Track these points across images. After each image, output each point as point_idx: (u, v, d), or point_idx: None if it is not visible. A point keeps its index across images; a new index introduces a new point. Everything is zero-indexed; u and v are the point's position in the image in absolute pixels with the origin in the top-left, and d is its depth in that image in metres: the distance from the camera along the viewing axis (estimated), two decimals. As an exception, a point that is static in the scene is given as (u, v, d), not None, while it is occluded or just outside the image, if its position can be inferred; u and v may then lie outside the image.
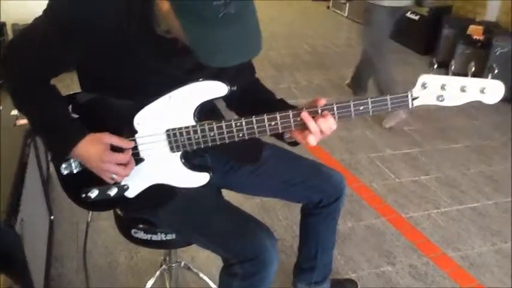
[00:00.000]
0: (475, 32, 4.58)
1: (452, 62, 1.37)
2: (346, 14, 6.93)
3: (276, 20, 6.46)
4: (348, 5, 6.85)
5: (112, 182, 1.30)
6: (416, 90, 1.26)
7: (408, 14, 5.47)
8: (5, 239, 1.50)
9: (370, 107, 1.27)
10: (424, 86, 1.26)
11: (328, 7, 7.39)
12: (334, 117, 1.28)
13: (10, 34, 3.90)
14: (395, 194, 2.80)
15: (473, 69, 1.24)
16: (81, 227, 2.33)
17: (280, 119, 1.28)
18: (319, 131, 1.26)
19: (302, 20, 6.71)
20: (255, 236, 1.32)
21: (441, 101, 1.26)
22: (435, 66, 1.24)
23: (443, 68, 1.27)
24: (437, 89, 1.25)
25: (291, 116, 1.27)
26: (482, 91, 1.24)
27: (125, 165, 1.29)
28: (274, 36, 5.67)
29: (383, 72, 3.62)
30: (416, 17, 5.38)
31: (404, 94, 1.27)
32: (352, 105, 1.27)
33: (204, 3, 0.99)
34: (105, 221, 2.33)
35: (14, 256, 1.54)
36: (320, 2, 7.66)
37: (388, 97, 1.27)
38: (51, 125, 1.28)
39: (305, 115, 1.26)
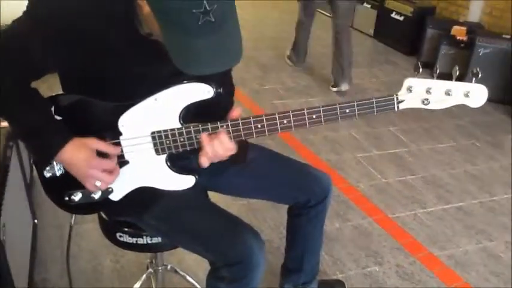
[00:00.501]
0: (459, 32, 4.63)
1: (437, 65, 1.38)
2: (331, 14, 6.94)
3: (262, 20, 6.46)
4: (333, 5, 6.87)
5: (95, 189, 1.28)
6: (402, 94, 1.28)
7: (393, 15, 5.52)
8: (-14, 245, 1.47)
9: (356, 109, 1.27)
10: (409, 89, 1.27)
11: (313, 8, 7.40)
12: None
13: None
14: (382, 194, 2.81)
15: (457, 73, 1.26)
16: (65, 231, 2.29)
17: (266, 121, 1.27)
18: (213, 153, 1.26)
19: (288, 21, 6.68)
20: (241, 239, 1.31)
21: (426, 104, 1.28)
22: (420, 70, 1.25)
23: (428, 68, 1.28)
24: (422, 93, 1.27)
25: (277, 118, 1.27)
26: (466, 95, 1.26)
27: (110, 172, 1.27)
28: (260, 37, 5.66)
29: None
30: (401, 18, 5.42)
31: (390, 97, 1.28)
32: (338, 108, 1.27)
33: (183, 9, 0.97)
34: (90, 224, 2.30)
35: (-4, 262, 1.51)
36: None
37: (374, 100, 1.27)
38: (34, 129, 1.24)
39: (204, 137, 1.25)
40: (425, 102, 1.27)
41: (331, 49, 4.24)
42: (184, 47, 1.02)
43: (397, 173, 3.05)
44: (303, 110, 1.27)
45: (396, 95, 1.27)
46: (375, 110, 1.28)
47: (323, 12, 7.12)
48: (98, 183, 1.26)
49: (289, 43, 4.82)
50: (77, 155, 1.23)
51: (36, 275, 2.03)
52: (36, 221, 2.27)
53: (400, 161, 3.20)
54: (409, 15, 5.31)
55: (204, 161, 1.27)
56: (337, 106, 1.26)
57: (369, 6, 6.00)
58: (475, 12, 5.14)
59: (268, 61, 4.92)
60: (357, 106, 1.27)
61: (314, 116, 1.27)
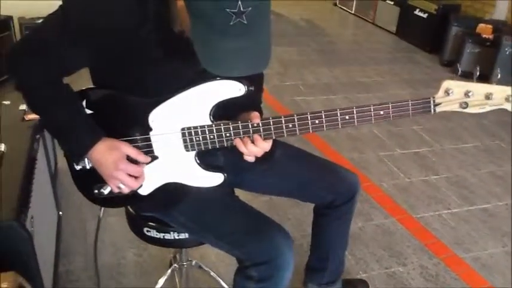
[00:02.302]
0: (484, 30, 4.54)
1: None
2: (353, 11, 6.89)
3: (283, 17, 6.43)
4: (355, 1, 6.82)
5: (117, 190, 1.29)
6: (439, 96, 1.24)
7: (416, 12, 5.44)
8: (15, 237, 1.48)
9: (390, 111, 1.25)
10: (447, 92, 1.23)
11: (335, 4, 7.35)
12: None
13: (17, 28, 3.87)
14: (405, 193, 2.78)
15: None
16: (89, 224, 2.31)
17: (297, 121, 1.26)
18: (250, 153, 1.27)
19: (309, 17, 6.68)
20: (270, 238, 1.30)
21: (464, 108, 1.24)
22: (459, 72, 1.21)
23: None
24: (461, 96, 1.23)
25: (309, 118, 1.25)
26: (507, 99, 1.21)
27: (135, 178, 1.27)
28: (281, 33, 5.64)
29: None
30: (425, 15, 5.34)
31: (427, 100, 1.24)
32: (372, 110, 1.25)
33: (217, 6, 0.95)
34: (113, 218, 2.31)
35: (25, 253, 1.52)
36: (327, -1, 7.64)
37: (410, 102, 1.24)
38: (66, 127, 1.26)
39: (237, 141, 1.26)
40: (464, 105, 1.24)
41: (353, 46, 4.20)
42: (212, 46, 1.01)
43: (421, 173, 3.00)
44: (336, 110, 1.25)
45: (433, 97, 1.24)
46: (410, 112, 1.25)
47: (343, 7, 7.07)
48: (122, 186, 1.27)
49: (310, 39, 4.79)
50: (107, 155, 1.24)
51: (60, 266, 2.05)
52: (60, 213, 2.29)
53: (424, 160, 3.16)
54: (433, 12, 5.23)
55: (248, 158, 1.28)
56: (372, 107, 1.24)
57: (392, 3, 5.94)
58: (501, 10, 5.04)
59: (289, 57, 4.90)
60: (391, 108, 1.24)
61: (347, 117, 1.25)
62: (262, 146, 1.26)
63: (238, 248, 1.34)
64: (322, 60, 4.94)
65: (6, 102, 2.34)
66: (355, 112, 1.26)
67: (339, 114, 1.26)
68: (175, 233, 1.47)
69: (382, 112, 1.25)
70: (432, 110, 1.26)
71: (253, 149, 1.25)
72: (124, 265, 2.12)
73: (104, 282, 2.00)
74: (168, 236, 1.47)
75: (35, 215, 1.67)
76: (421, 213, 2.61)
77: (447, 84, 1.23)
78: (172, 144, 1.30)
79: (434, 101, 1.25)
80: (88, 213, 2.35)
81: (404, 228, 2.48)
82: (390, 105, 1.25)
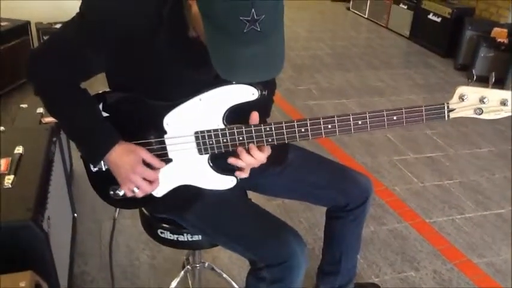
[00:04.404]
0: (499, 34, 4.51)
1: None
2: (366, 15, 6.88)
3: (296, 20, 6.45)
4: (368, 6, 6.81)
5: (131, 194, 1.31)
6: (454, 102, 1.24)
7: (430, 16, 5.42)
8: (32, 237, 1.51)
9: (404, 117, 1.25)
10: (461, 98, 1.23)
11: (348, 8, 7.35)
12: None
13: (34, 33, 3.94)
14: (419, 198, 2.77)
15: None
16: (103, 225, 2.34)
17: (310, 125, 1.26)
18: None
19: (322, 21, 6.69)
20: (283, 240, 1.31)
21: (479, 114, 1.23)
22: (474, 77, 1.21)
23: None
24: (475, 102, 1.22)
25: (321, 122, 1.26)
26: (523, 105, 1.21)
27: (150, 182, 1.29)
28: (293, 37, 5.66)
29: None
30: (438, 19, 5.32)
31: (441, 105, 1.24)
32: (385, 115, 1.25)
33: (231, 15, 0.96)
34: (127, 220, 2.34)
35: (41, 253, 1.55)
36: (340, 3, 7.63)
37: (424, 107, 1.24)
38: (84, 131, 1.28)
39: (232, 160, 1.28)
40: (478, 111, 1.23)
41: (366, 50, 4.19)
42: (226, 53, 1.02)
43: (434, 178, 2.99)
44: (349, 115, 1.25)
45: (447, 103, 1.24)
46: (424, 118, 1.25)
47: (356, 12, 7.07)
48: (136, 190, 1.29)
49: (322, 43, 4.79)
50: (124, 158, 1.26)
51: (75, 267, 2.08)
52: (75, 214, 2.33)
53: (437, 165, 3.14)
54: (446, 16, 5.21)
55: (239, 174, 1.31)
56: (385, 113, 1.24)
57: (405, 7, 5.92)
58: (516, 14, 5.00)
59: (302, 61, 4.91)
60: (405, 113, 1.24)
61: (360, 122, 1.26)
62: (258, 156, 1.27)
63: (251, 250, 1.36)
64: (335, 64, 4.94)
65: (24, 106, 2.39)
66: (367, 117, 1.26)
67: (351, 119, 1.27)
68: (189, 234, 1.48)
69: (395, 117, 1.26)
70: (446, 116, 1.26)
71: (248, 159, 1.27)
72: (138, 266, 2.14)
73: (118, 283, 2.03)
74: (181, 238, 1.49)
75: (51, 216, 1.70)
76: (434, 217, 2.60)
77: (461, 90, 1.23)
78: (186, 147, 1.32)
79: (448, 107, 1.25)
80: (103, 215, 2.38)
81: (417, 232, 2.47)
82: (403, 110, 1.25)
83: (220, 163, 1.35)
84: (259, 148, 1.27)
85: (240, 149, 1.27)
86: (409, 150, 3.30)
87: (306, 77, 4.50)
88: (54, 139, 2.05)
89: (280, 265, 1.30)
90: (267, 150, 1.29)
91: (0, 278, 1.34)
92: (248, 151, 1.27)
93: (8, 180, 1.66)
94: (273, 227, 1.36)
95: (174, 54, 1.22)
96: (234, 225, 1.38)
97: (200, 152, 1.32)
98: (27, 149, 1.84)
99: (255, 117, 1.26)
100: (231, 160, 1.28)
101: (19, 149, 1.83)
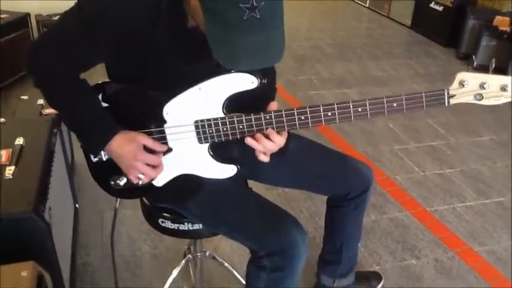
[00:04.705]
0: (502, 23, 4.48)
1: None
2: (367, 5, 6.84)
3: (297, 10, 6.41)
4: (370, -5, 6.77)
5: (137, 181, 1.30)
6: (454, 88, 1.23)
7: (431, 5, 5.38)
8: (34, 228, 1.52)
9: (404, 104, 1.25)
10: (462, 83, 1.22)
11: (349, -3, 7.30)
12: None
13: (34, 25, 3.93)
14: (420, 187, 2.77)
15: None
16: (105, 216, 2.35)
17: (310, 113, 1.26)
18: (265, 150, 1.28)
19: (323, 11, 6.65)
20: (283, 229, 1.31)
21: (479, 99, 1.23)
22: (474, 64, 1.20)
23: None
24: (476, 87, 1.22)
25: (321, 110, 1.25)
26: (524, 91, 1.21)
27: (154, 167, 1.29)
28: (294, 27, 5.63)
29: None
30: (440, 8, 5.28)
31: (441, 91, 1.24)
32: (385, 102, 1.25)
33: (230, 3, 0.96)
34: (129, 210, 2.35)
35: (43, 244, 1.56)
36: (341, -7, 7.59)
37: (424, 94, 1.24)
38: (84, 121, 1.28)
39: (249, 140, 1.27)
40: (478, 97, 1.23)
41: (367, 40, 4.17)
42: (226, 41, 1.02)
43: (435, 166, 2.99)
44: (349, 102, 1.25)
45: (447, 89, 1.24)
46: (424, 104, 1.25)
47: (358, 1, 7.02)
48: (141, 176, 1.29)
49: (323, 33, 4.77)
50: (124, 147, 1.26)
51: (77, 258, 2.09)
52: (77, 205, 2.33)
53: (438, 154, 3.14)
54: (448, 5, 5.17)
55: (263, 158, 1.29)
56: (384, 99, 1.24)
57: (407, -4, 5.88)
58: (519, 2, 4.96)
59: (303, 52, 4.89)
60: (405, 100, 1.24)
61: (360, 109, 1.25)
62: (277, 140, 1.26)
63: (251, 238, 1.36)
64: (337, 54, 4.92)
65: (25, 97, 2.39)
66: (367, 104, 1.26)
67: (351, 107, 1.26)
68: (190, 223, 1.49)
69: (395, 104, 1.25)
70: (446, 102, 1.25)
71: (268, 145, 1.26)
72: (139, 256, 2.15)
73: (120, 273, 2.04)
74: (182, 227, 1.49)
75: (52, 207, 1.70)
76: (435, 206, 2.60)
77: (461, 75, 1.23)
78: (185, 137, 1.32)
79: (448, 93, 1.24)
80: (104, 206, 2.38)
81: (418, 221, 2.47)
82: (403, 97, 1.25)
83: (221, 152, 1.35)
84: (278, 132, 1.27)
85: (259, 135, 1.26)
86: (410, 139, 3.29)
87: (307, 68, 4.48)
88: (55, 130, 2.06)
89: (280, 254, 1.30)
90: (285, 134, 1.29)
91: (2, 269, 1.35)
92: (267, 136, 1.26)
93: (9, 171, 1.66)
94: (274, 216, 1.36)
95: (174, 45, 1.21)
96: (234, 214, 1.38)
97: (200, 141, 1.32)
98: (28, 140, 1.84)
99: (273, 106, 1.26)
100: (250, 141, 1.26)
101: (20, 140, 1.83)
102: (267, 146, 1.26)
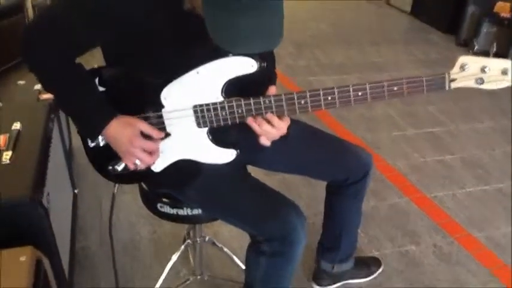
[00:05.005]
0: (503, 9, 4.43)
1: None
2: (367, -10, 6.77)
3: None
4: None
5: (134, 167, 1.29)
6: (455, 72, 1.22)
7: (432, -9, 5.33)
8: (32, 213, 1.51)
9: (404, 87, 1.23)
10: (462, 67, 1.21)
11: (349, -17, 7.23)
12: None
13: (30, 10, 3.88)
14: (419, 173, 2.76)
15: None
16: (104, 201, 2.35)
17: (310, 97, 1.24)
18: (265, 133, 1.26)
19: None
20: (283, 215, 1.30)
21: (480, 83, 1.21)
22: (475, 48, 1.19)
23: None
24: (477, 71, 1.20)
25: (321, 94, 1.24)
26: (525, 75, 1.19)
27: (150, 153, 1.28)
28: (294, 12, 5.58)
29: None
30: (440, -6, 5.23)
31: (442, 75, 1.22)
32: (385, 86, 1.23)
33: None
34: (128, 195, 2.34)
35: (42, 229, 1.55)
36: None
37: (424, 78, 1.22)
38: (79, 106, 1.26)
39: (249, 120, 1.25)
40: (479, 81, 1.21)
41: (367, 26, 4.14)
42: (224, 23, 1.01)
43: (435, 153, 2.98)
44: (349, 86, 1.23)
45: (448, 73, 1.22)
46: (425, 88, 1.23)
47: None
48: (138, 162, 1.28)
49: (322, 20, 4.73)
50: (121, 132, 1.25)
51: (76, 242, 2.09)
52: (76, 190, 2.33)
53: (438, 140, 3.13)
54: (449, -10, 5.12)
55: (264, 142, 1.27)
56: (385, 83, 1.22)
57: (407, -19, 5.82)
58: (520, -12, 4.91)
59: (302, 37, 4.85)
60: (405, 84, 1.22)
61: (360, 94, 1.24)
62: (277, 124, 1.24)
63: (250, 224, 1.35)
64: (336, 40, 4.88)
65: (22, 82, 2.36)
66: (368, 88, 1.24)
67: (351, 91, 1.25)
68: (189, 208, 1.48)
69: (395, 88, 1.24)
70: (447, 86, 1.24)
71: (268, 129, 1.24)
72: (139, 241, 2.16)
73: (119, 258, 2.04)
74: (181, 212, 1.49)
75: (51, 192, 1.69)
76: (435, 192, 2.60)
77: (463, 59, 1.21)
78: (184, 121, 1.30)
79: (449, 77, 1.23)
80: (103, 191, 2.38)
81: (418, 207, 2.47)
82: (404, 80, 1.23)
83: (220, 136, 1.34)
84: (279, 117, 1.25)
85: (260, 120, 1.24)
86: (410, 126, 3.28)
87: (306, 53, 4.45)
88: (52, 116, 2.04)
89: (280, 239, 1.29)
90: (287, 120, 1.27)
91: (1, 253, 1.34)
92: (269, 121, 1.24)
93: (6, 156, 1.65)
94: (273, 201, 1.35)
95: (170, 28, 1.19)
96: (233, 199, 1.37)
97: (199, 125, 1.30)
98: (25, 125, 1.82)
99: (272, 91, 1.25)
100: (251, 122, 1.24)
101: (17, 125, 1.81)
102: (268, 130, 1.25)
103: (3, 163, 1.62)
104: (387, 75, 4.04)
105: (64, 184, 2.15)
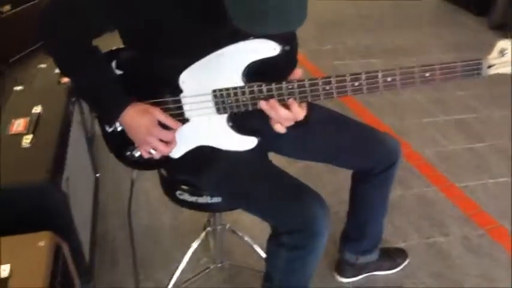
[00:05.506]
0: (539, -11, 4.23)
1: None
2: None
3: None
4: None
5: (148, 156, 1.26)
6: (493, 57, 1.13)
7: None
8: (51, 198, 1.50)
9: (437, 73, 1.15)
10: (502, 52, 1.12)
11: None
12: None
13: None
14: (448, 161, 2.66)
15: None
16: (125, 185, 2.33)
17: (335, 83, 1.18)
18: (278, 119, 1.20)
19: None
20: (304, 205, 1.24)
21: None
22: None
23: (500, 30, 1.14)
24: None
25: (347, 79, 1.17)
26: None
27: (167, 143, 1.24)
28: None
29: None
30: (471, -26, 5.02)
31: (479, 61, 1.14)
32: (416, 71, 1.15)
33: None
34: (149, 181, 2.32)
35: (61, 214, 1.55)
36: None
37: (459, 63, 1.14)
38: (96, 90, 1.24)
39: (262, 104, 1.19)
40: (520, 68, 1.13)
41: (394, 9, 4.00)
42: (244, 3, 0.96)
43: (465, 140, 2.87)
44: (377, 71, 1.16)
45: (486, 58, 1.14)
46: (459, 75, 1.15)
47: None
48: (153, 152, 1.25)
49: (348, 1, 4.60)
50: (138, 119, 1.22)
51: (98, 227, 2.09)
52: (98, 174, 2.32)
53: (469, 127, 3.01)
54: (480, -30, 4.90)
55: (278, 128, 1.21)
56: (416, 69, 1.15)
57: (438, -39, 5.60)
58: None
59: (327, 21, 4.74)
60: (439, 70, 1.14)
61: (389, 79, 1.16)
62: (296, 111, 1.18)
63: (270, 214, 1.30)
64: (363, 23, 4.75)
65: (43, 66, 2.36)
66: (398, 74, 1.17)
67: (380, 76, 1.18)
68: (208, 196, 1.44)
69: (427, 74, 1.16)
70: (484, 72, 1.15)
71: (284, 113, 1.18)
72: (160, 227, 2.15)
73: (140, 244, 2.03)
74: (200, 200, 1.45)
75: (70, 177, 1.68)
76: (464, 182, 2.50)
77: (502, 43, 1.13)
78: (203, 106, 1.26)
79: (487, 62, 1.14)
80: (125, 175, 2.35)
81: (446, 197, 2.38)
82: (437, 66, 1.15)
83: (240, 123, 1.29)
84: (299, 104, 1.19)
85: (273, 101, 1.18)
86: (440, 112, 3.16)
87: (332, 37, 4.34)
88: (73, 99, 2.02)
89: (301, 231, 1.24)
90: (304, 106, 1.21)
91: (19, 238, 1.33)
92: (285, 105, 1.18)
93: (26, 140, 1.64)
94: (295, 191, 1.29)
95: (190, 10, 1.15)
96: (253, 188, 1.32)
97: (218, 111, 1.26)
98: (46, 109, 1.82)
99: (298, 74, 1.19)
100: (263, 105, 1.19)
101: (37, 109, 1.81)
102: (281, 114, 1.18)
103: (24, 147, 1.61)
104: (415, 59, 3.90)
105: (85, 168, 2.14)
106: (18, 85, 2.04)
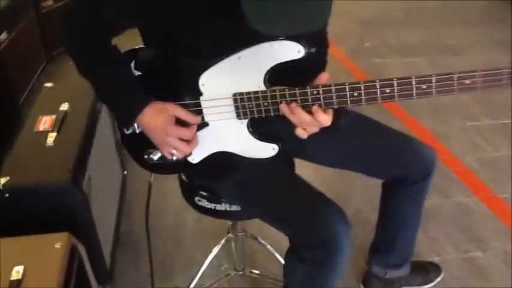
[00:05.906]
0: None
1: None
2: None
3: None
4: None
5: (171, 157, 1.21)
6: None
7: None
8: (71, 198, 1.49)
9: (477, 81, 1.05)
10: None
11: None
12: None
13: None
14: (492, 169, 2.52)
15: None
16: (154, 184, 2.31)
17: (364, 89, 1.09)
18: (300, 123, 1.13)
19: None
20: (325, 219, 1.17)
21: None
22: None
23: None
24: None
25: (378, 86, 1.08)
26: None
27: (188, 142, 1.19)
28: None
29: None
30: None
31: None
32: (455, 79, 1.05)
33: None
34: (176, 182, 2.28)
35: (80, 215, 1.53)
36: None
37: (505, 70, 1.03)
38: (113, 91, 1.21)
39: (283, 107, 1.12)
40: None
41: (442, 4, 3.82)
42: (260, 1, 0.91)
43: (511, 147, 2.69)
44: (411, 78, 1.07)
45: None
46: (506, 83, 1.04)
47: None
48: (174, 152, 1.20)
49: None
50: (155, 120, 1.17)
51: (122, 226, 2.08)
52: (125, 172, 2.31)
53: (515, 133, 2.84)
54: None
55: (300, 133, 1.14)
56: (455, 76, 1.05)
57: (490, -46, 5.33)
58: None
59: (368, 16, 4.60)
60: (479, 77, 1.04)
61: (424, 86, 1.07)
62: (321, 119, 1.11)
63: (288, 227, 1.24)
64: (406, 19, 4.59)
65: (72, 63, 2.36)
66: (433, 81, 1.07)
67: (413, 83, 1.08)
68: (227, 204, 1.39)
69: (468, 81, 1.06)
70: None
71: (306, 119, 1.11)
72: (183, 228, 2.12)
73: (162, 245, 2.01)
74: (219, 207, 1.40)
75: (93, 176, 1.66)
76: (508, 193, 2.35)
77: None
78: (223, 111, 1.20)
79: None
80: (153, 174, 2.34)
81: (487, 208, 2.26)
82: (478, 73, 1.04)
83: (261, 129, 1.23)
84: (324, 111, 1.12)
85: (294, 105, 1.12)
86: (485, 115, 3.00)
87: (373, 34, 4.21)
88: (101, 97, 2.01)
89: (320, 246, 1.16)
90: (331, 113, 1.14)
91: (35, 239, 1.32)
92: (309, 111, 1.12)
93: (51, 138, 1.64)
94: (314, 203, 1.21)
95: (207, 8, 1.10)
96: (269, 198, 1.26)
97: (239, 116, 1.20)
98: (73, 106, 1.81)
99: (324, 78, 1.11)
100: (283, 108, 1.13)
101: (65, 106, 1.80)
102: (303, 119, 1.11)
103: (47, 145, 1.61)
104: (462, 59, 3.72)
105: (112, 166, 2.13)
106: (48, 81, 2.05)
